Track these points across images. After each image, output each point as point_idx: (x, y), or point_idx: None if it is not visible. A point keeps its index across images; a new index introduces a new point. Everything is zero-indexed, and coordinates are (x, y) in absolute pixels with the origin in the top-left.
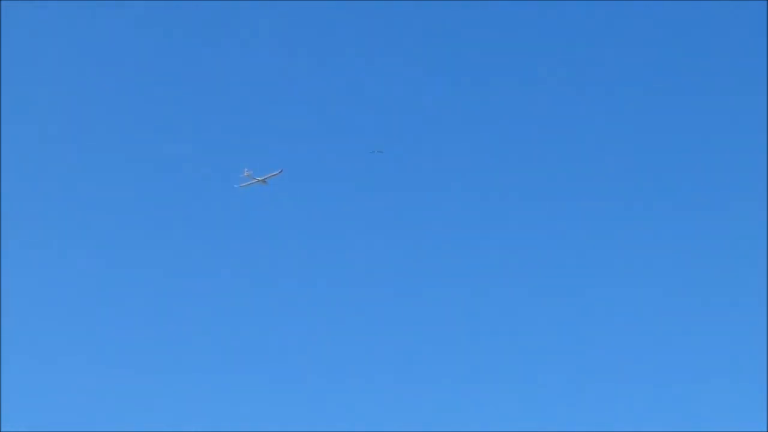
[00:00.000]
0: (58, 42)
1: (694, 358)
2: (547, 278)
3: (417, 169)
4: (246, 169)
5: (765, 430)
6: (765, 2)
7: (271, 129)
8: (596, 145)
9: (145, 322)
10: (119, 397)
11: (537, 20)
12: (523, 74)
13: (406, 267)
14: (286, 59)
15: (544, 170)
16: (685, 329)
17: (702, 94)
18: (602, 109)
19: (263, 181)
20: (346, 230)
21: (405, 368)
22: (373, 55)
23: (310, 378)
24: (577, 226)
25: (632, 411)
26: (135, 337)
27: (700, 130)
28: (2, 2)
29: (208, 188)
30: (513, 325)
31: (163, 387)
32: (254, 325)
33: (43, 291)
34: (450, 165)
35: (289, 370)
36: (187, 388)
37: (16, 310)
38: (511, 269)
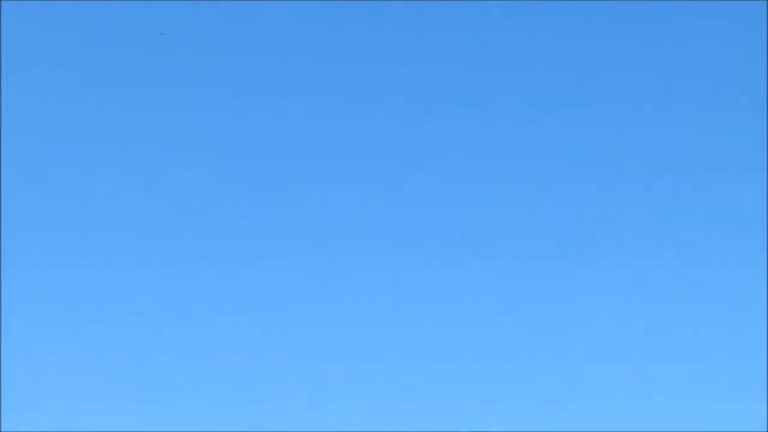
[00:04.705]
0: (58, 42)
1: (694, 358)
2: (545, 277)
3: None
4: None
5: (765, 430)
6: (765, 2)
7: None
8: (596, 145)
9: (146, 322)
10: (120, 397)
11: (535, 21)
12: (522, 76)
13: (401, 256)
14: None
15: (543, 170)
16: (684, 328)
17: (701, 95)
18: (601, 109)
19: None
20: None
21: (404, 368)
22: None
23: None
24: (575, 224)
25: (632, 411)
26: (135, 337)
27: (700, 131)
28: (2, 2)
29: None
30: (513, 324)
31: (163, 388)
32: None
33: (44, 291)
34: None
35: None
36: (189, 388)
37: (16, 307)
38: (511, 264)
